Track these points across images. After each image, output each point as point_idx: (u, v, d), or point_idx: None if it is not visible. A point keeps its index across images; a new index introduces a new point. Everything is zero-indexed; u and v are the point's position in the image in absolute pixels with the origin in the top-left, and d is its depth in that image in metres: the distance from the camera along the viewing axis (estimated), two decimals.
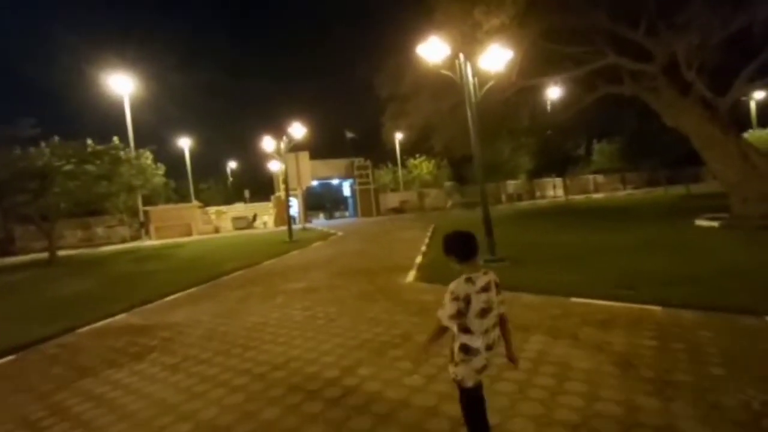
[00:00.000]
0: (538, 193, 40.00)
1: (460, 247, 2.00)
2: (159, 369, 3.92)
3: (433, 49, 7.90)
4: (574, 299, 4.94)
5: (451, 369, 1.98)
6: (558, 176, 33.83)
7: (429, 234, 14.25)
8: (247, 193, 36.23)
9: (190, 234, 27.38)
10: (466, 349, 1.91)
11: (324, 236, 17.55)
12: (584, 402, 2.64)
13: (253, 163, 52.98)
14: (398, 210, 34.80)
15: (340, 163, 33.92)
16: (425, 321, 4.57)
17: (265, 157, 21.08)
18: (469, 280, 1.91)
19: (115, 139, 18.97)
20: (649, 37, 10.73)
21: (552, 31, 10.27)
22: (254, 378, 3.49)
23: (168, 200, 34.30)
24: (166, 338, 4.88)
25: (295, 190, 30.12)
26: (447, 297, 1.91)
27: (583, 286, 5.40)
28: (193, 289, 7.97)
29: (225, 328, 5.09)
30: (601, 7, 10.33)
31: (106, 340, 5.11)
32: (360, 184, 33.71)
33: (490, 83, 7.97)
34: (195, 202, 31.19)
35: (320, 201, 37.32)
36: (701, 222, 10.50)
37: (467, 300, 1.87)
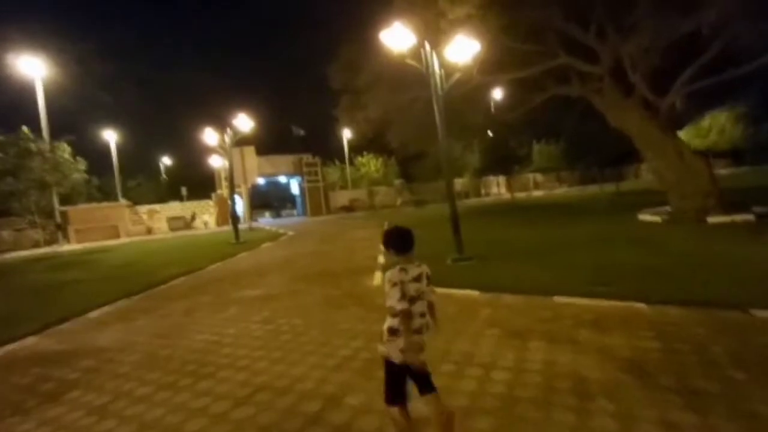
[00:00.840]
0: (483, 191, 41.41)
1: (398, 242, 2.21)
2: (82, 414, 3.04)
3: (397, 37, 7.44)
4: (557, 298, 4.73)
5: (379, 347, 2.16)
6: (502, 174, 35.21)
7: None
8: (184, 191, 33.50)
9: (117, 236, 24.66)
10: (392, 331, 2.08)
11: (274, 236, 16.48)
12: (620, 425, 2.31)
13: (191, 159, 49.35)
14: (348, 208, 34.16)
15: (288, 160, 32.53)
16: None
17: (205, 152, 19.48)
18: (403, 269, 2.12)
19: (24, 129, 16.40)
20: (598, 39, 11.15)
21: (511, 28, 10.27)
22: (213, 420, 2.78)
23: (90, 199, 30.65)
24: (90, 369, 3.94)
25: (239, 187, 28.35)
26: (387, 286, 2.09)
27: (560, 284, 5.24)
28: (123, 302, 6.83)
29: (168, 350, 4.23)
30: (555, 6, 10.54)
31: (7, 374, 4.03)
32: (309, 181, 32.58)
33: (457, 75, 7.69)
34: (123, 201, 28.18)
35: (266, 199, 35.49)
36: (644, 217, 11.12)
37: (403, 285, 2.07)
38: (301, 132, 37.21)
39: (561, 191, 37.14)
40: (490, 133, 33.58)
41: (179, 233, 25.35)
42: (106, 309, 6.42)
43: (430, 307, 2.23)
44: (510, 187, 30.13)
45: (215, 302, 6.20)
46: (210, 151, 21.49)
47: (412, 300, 2.07)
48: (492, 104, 15.30)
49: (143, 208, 28.67)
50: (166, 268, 9.92)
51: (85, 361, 4.16)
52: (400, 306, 2.02)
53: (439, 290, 5.66)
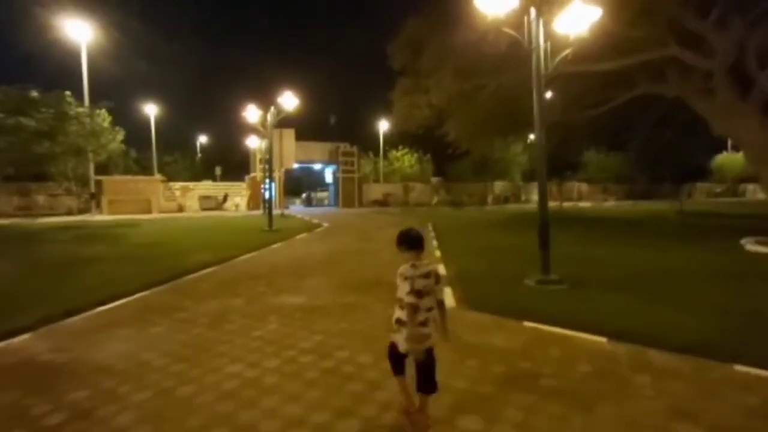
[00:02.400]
0: (523, 197, 39.19)
1: (411, 241, 2.41)
2: None
3: None
4: (741, 368, 3.21)
5: (392, 335, 2.43)
6: (552, 180, 33.15)
7: (433, 235, 12.42)
8: (218, 171, 33.17)
9: (149, 211, 24.32)
10: (400, 322, 2.33)
11: (308, 227, 15.35)
12: None
13: (227, 139, 49.54)
14: (382, 203, 32.89)
15: (324, 147, 31.50)
16: (550, 405, 2.69)
17: (242, 131, 18.64)
18: (413, 266, 2.33)
19: (66, 93, 15.89)
20: (717, 27, 9.27)
21: (620, 4, 8.57)
22: None
23: (127, 171, 30.73)
24: (79, 409, 2.74)
25: (275, 171, 27.56)
26: (399, 279, 2.35)
27: (725, 340, 3.72)
28: (143, 293, 5.74)
29: (189, 388, 2.99)
30: None
31: None
32: (344, 171, 31.46)
33: (567, 52, 6.14)
34: (158, 176, 27.96)
35: (298, 186, 34.66)
36: (754, 248, 9.20)
37: (413, 279, 2.28)
38: (334, 119, 36.02)
39: (611, 204, 34.51)
40: (531, 136, 31.57)
41: (210, 214, 24.79)
42: (121, 302, 5.33)
43: (440, 304, 2.41)
44: (560, 195, 27.98)
45: (249, 310, 4.97)
46: (248, 130, 20.64)
47: (419, 294, 2.27)
48: (559, 100, 13.46)
49: (176, 185, 28.36)
50: (196, 254, 8.89)
51: (76, 391, 2.97)
52: (408, 299, 2.25)
53: (533, 325, 4.28)
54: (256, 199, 28.37)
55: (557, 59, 6.16)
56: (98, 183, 23.52)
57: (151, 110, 33.89)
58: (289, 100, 13.30)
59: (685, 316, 4.48)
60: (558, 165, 26.00)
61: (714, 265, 7.44)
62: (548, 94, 16.13)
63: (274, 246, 10.48)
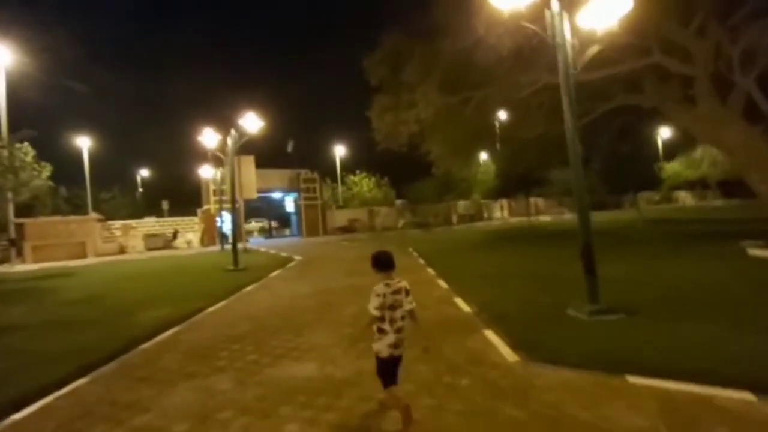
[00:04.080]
0: (485, 215, 39.51)
1: (383, 263, 2.85)
2: None
3: None
4: None
5: (373, 345, 2.78)
6: (517, 197, 33.67)
7: (423, 263, 11.31)
8: (165, 205, 30.20)
9: (84, 256, 21.20)
10: (380, 331, 2.74)
11: (279, 262, 13.66)
12: None
13: (173, 171, 46.22)
14: (347, 229, 31.48)
15: (283, 174, 29.77)
16: None
17: (192, 161, 16.74)
18: (386, 284, 2.77)
19: None
20: (698, 35, 9.28)
21: None
22: None
23: (56, 211, 27.02)
24: None
25: (232, 202, 25.38)
26: (372, 295, 2.76)
27: None
28: (78, 383, 4.03)
29: None
30: None
31: None
32: (306, 199, 29.83)
33: (594, 49, 5.45)
34: (93, 215, 24.73)
35: (258, 217, 32.39)
36: (756, 252, 9.00)
37: (384, 296, 2.73)
38: (291, 146, 34.49)
39: (570, 217, 35.58)
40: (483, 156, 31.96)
41: (158, 253, 22.06)
42: (42, 403, 3.62)
43: (411, 314, 2.81)
44: (528, 210, 28.18)
45: (245, 398, 3.48)
46: (202, 159, 18.78)
47: (392, 307, 2.74)
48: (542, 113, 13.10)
49: (116, 224, 25.25)
50: (149, 309, 7.08)
51: None
52: (376, 313, 2.72)
53: (645, 382, 3.34)
54: (211, 234, 25.91)
55: (586, 55, 5.45)
56: (19, 227, 20.16)
57: (83, 142, 30.54)
58: (251, 122, 11.88)
59: None
60: (526, 181, 26.33)
61: (737, 275, 6.99)
62: (502, 115, 16.05)
63: (248, 289, 8.82)
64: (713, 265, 8.02)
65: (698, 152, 43.75)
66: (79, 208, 29.14)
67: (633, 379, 3.29)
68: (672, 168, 39.72)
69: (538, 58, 8.94)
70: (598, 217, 31.25)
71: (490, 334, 4.72)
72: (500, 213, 40.19)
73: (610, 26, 5.27)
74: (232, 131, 11.97)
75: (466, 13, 7.04)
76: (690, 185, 47.25)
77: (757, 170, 9.54)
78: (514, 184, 26.92)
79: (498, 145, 18.37)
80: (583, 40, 5.45)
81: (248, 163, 17.44)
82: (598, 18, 5.28)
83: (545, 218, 35.06)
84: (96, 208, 28.81)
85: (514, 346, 4.27)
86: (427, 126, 10.38)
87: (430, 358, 3.44)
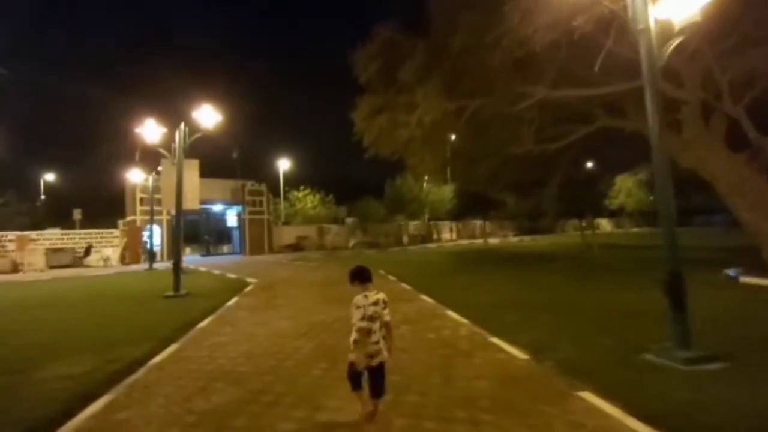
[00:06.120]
0: (435, 236, 39.33)
1: (362, 276, 3.06)
2: None
3: None
4: None
5: (349, 355, 2.98)
6: (480, 219, 33.83)
7: (407, 287, 9.93)
8: (77, 215, 25.56)
9: None
10: (356, 342, 2.90)
11: (231, 286, 11.38)
12: None
13: (89, 176, 40.43)
14: (296, 247, 29.10)
15: (225, 185, 26.79)
16: None
17: (115, 164, 13.90)
18: (365, 296, 2.98)
19: None
20: (689, 60, 9.30)
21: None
22: None
23: None
24: None
25: (162, 215, 21.90)
26: (353, 308, 2.96)
27: None
28: None
29: None
30: None
31: None
32: (251, 213, 27.08)
33: (678, 39, 4.66)
34: None
35: (195, 231, 28.74)
36: (746, 279, 8.95)
37: (364, 308, 2.93)
38: (236, 153, 31.62)
39: (516, 240, 36.61)
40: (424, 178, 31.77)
41: (65, 272, 18.11)
42: None
43: (386, 325, 3.03)
44: (483, 233, 28.17)
45: None
46: (129, 161, 15.93)
47: (371, 318, 2.92)
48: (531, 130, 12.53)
49: (9, 235, 20.59)
50: (54, 358, 4.84)
51: None
52: (360, 324, 2.89)
53: None
54: (135, 251, 22.17)
55: (669, 45, 4.63)
56: None
57: None
58: (207, 116, 9.83)
59: None
60: (482, 202, 26.34)
61: (743, 304, 6.74)
62: (452, 137, 15.61)
63: (202, 325, 6.70)
64: (716, 295, 7.58)
65: (617, 184, 48.25)
66: None
67: None
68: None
69: (547, 68, 8.27)
70: (547, 240, 32.46)
71: (590, 396, 3.47)
72: (449, 235, 40.29)
73: (692, 16, 4.54)
74: (182, 125, 9.78)
75: (489, 4, 6.16)
76: (610, 213, 51.68)
77: (741, 196, 9.68)
78: (470, 205, 26.78)
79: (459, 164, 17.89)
80: (665, 30, 4.64)
81: (193, 167, 14.89)
82: (679, 7, 4.53)
83: (494, 240, 35.65)
84: None
85: (635, 414, 3.06)
86: (425, 134, 9.20)
87: None
